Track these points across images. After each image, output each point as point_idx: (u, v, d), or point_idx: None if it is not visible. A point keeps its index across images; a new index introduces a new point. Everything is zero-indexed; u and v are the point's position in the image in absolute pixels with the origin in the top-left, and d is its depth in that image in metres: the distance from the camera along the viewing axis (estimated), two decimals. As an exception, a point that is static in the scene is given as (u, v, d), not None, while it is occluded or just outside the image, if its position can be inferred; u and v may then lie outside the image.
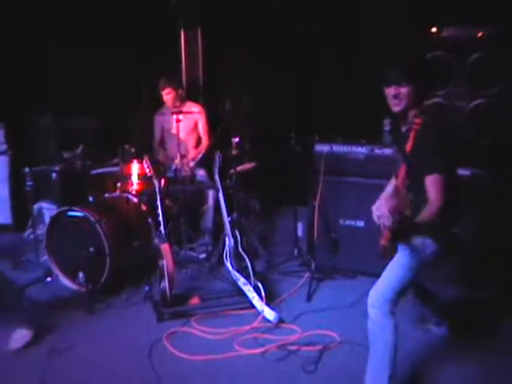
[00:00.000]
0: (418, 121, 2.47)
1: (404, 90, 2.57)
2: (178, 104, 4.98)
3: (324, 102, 4.82)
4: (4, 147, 5.76)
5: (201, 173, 4.91)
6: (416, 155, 2.46)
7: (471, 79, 4.14)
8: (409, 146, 2.47)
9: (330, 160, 4.28)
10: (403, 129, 2.69)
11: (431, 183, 2.46)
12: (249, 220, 4.96)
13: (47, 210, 5.07)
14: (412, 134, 2.47)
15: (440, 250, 2.61)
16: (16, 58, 5.45)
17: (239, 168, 4.79)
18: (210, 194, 4.78)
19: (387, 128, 4.17)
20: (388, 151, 4.04)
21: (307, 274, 4.21)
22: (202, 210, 4.87)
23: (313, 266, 4.21)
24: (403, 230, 2.38)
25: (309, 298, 3.95)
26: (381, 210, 2.31)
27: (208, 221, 4.82)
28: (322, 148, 4.33)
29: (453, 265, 3.89)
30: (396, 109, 2.62)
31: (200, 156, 4.76)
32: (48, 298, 4.00)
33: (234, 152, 4.53)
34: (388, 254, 2.55)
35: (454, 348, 3.19)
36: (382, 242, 2.41)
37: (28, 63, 5.46)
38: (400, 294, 2.62)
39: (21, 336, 3.34)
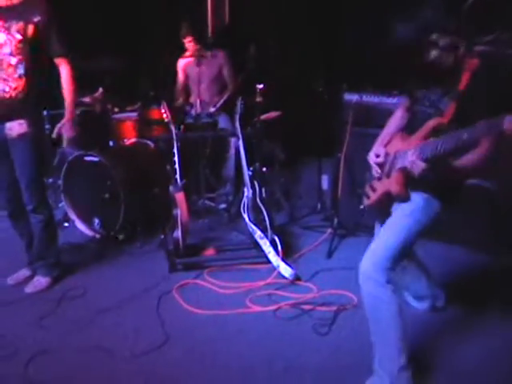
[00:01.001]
0: (474, 61, 2.23)
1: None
2: (201, 52, 4.74)
3: (354, 48, 4.48)
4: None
5: (224, 119, 4.71)
6: (473, 95, 2.20)
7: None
8: (462, 85, 2.21)
9: (359, 110, 4.00)
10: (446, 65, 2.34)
11: (481, 130, 2.14)
12: (272, 171, 4.76)
13: (71, 154, 4.99)
14: (467, 73, 2.21)
15: (445, 204, 2.36)
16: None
17: (264, 116, 4.57)
18: (233, 141, 4.58)
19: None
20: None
21: (329, 230, 4.04)
22: (223, 157, 4.70)
23: (335, 221, 4.02)
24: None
25: (329, 255, 3.78)
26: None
27: (230, 169, 4.66)
28: (351, 97, 4.05)
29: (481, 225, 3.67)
30: None
31: (222, 101, 4.54)
32: (64, 244, 3.93)
33: (258, 99, 4.29)
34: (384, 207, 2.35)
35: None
36: (397, 188, 2.21)
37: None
38: (399, 260, 2.35)
39: (38, 283, 3.34)
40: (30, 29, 2.98)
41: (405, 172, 2.36)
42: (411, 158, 2.31)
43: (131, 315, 3.05)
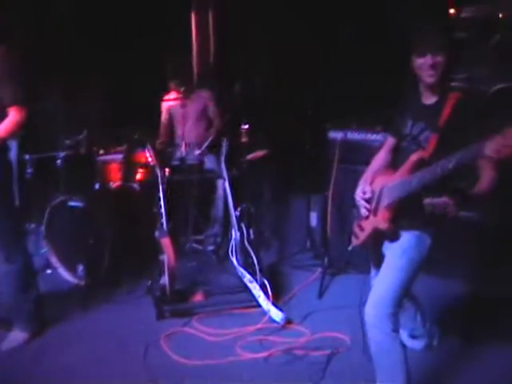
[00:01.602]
0: (454, 95, 2.24)
1: (440, 60, 2.26)
2: (187, 91, 4.72)
3: (338, 86, 4.50)
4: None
5: (210, 160, 4.67)
6: (455, 127, 2.19)
7: (493, 62, 3.81)
8: (444, 117, 2.22)
9: (345, 147, 4.01)
10: (428, 102, 2.37)
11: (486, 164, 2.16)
12: (260, 209, 4.71)
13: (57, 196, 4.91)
14: (449, 104, 2.22)
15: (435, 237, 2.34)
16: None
17: (250, 156, 4.54)
18: (220, 182, 4.53)
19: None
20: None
21: (319, 269, 3.97)
22: (211, 198, 4.64)
23: (325, 260, 3.95)
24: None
25: (320, 294, 3.71)
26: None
27: (218, 210, 4.59)
28: (335, 135, 4.06)
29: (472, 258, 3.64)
30: (430, 80, 2.29)
31: (207, 143, 4.51)
32: (46, 291, 3.80)
33: (243, 139, 4.27)
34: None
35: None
36: (383, 225, 2.17)
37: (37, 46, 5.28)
38: (401, 302, 2.33)
39: (14, 339, 3.17)
40: None
41: (391, 208, 2.33)
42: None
43: (117, 366, 2.94)
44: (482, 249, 3.67)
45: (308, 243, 4.48)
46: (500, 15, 3.78)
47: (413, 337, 2.96)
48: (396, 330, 2.30)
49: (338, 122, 4.10)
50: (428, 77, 2.29)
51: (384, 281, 2.34)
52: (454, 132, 2.18)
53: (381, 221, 2.36)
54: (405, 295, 2.39)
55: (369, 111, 4.15)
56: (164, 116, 4.96)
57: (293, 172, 4.58)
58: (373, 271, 2.67)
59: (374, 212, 2.45)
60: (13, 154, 5.37)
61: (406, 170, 2.29)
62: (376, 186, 2.51)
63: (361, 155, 3.95)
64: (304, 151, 4.30)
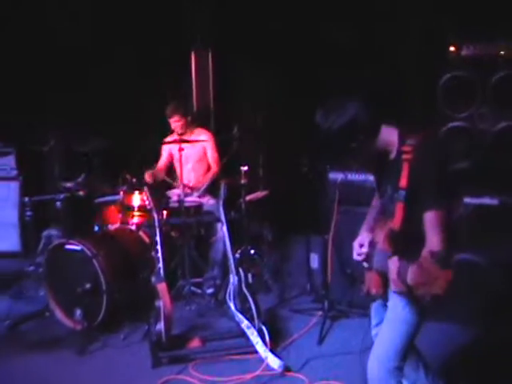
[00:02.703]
0: (407, 149, 2.11)
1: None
2: (186, 131, 4.75)
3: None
4: (15, 173, 5.68)
5: (210, 202, 4.65)
6: (413, 189, 2.09)
7: (495, 100, 3.77)
8: (404, 180, 2.10)
9: (345, 189, 3.98)
10: (390, 157, 2.26)
11: (430, 223, 2.05)
12: (260, 251, 4.67)
13: (57, 237, 4.90)
14: (405, 166, 2.09)
15: None
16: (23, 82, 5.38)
17: (250, 197, 4.53)
18: (220, 224, 4.51)
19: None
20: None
21: (320, 313, 3.89)
22: (211, 241, 4.60)
23: (326, 304, 3.88)
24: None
25: (320, 340, 3.62)
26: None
27: (217, 252, 4.53)
28: (335, 176, 4.04)
29: (472, 301, 3.56)
30: None
31: (204, 185, 4.51)
32: (43, 335, 3.80)
33: (243, 181, 4.26)
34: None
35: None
36: (374, 290, 2.09)
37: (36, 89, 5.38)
38: (405, 356, 2.25)
39: None
40: None
41: (381, 274, 2.22)
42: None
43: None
44: (487, 292, 3.59)
45: (308, 286, 4.40)
46: (501, 53, 3.76)
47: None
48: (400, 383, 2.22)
49: (339, 164, 4.08)
50: None
51: (387, 333, 2.27)
52: (413, 196, 2.09)
53: (372, 283, 2.26)
54: (409, 347, 2.31)
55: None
56: (164, 155, 4.96)
57: (293, 213, 4.54)
58: (373, 320, 2.59)
59: (370, 268, 2.38)
60: (15, 197, 5.50)
61: (383, 240, 2.16)
62: (376, 236, 2.42)
63: (361, 197, 3.93)
64: (304, 192, 4.26)
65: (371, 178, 3.87)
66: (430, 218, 2.07)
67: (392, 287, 2.06)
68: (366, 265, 2.41)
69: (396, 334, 2.23)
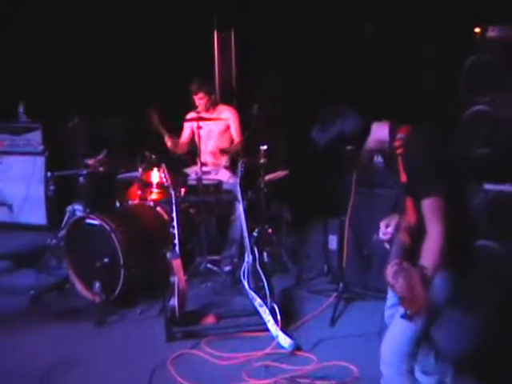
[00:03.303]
0: (397, 143, 2.10)
1: None
2: (209, 109, 4.77)
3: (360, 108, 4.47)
4: (41, 148, 5.80)
5: (230, 181, 4.67)
6: (411, 183, 2.09)
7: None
8: (403, 176, 2.10)
9: (364, 170, 3.93)
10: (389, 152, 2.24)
11: (428, 211, 2.02)
12: (279, 232, 4.68)
13: (80, 212, 5.01)
14: (400, 161, 2.10)
15: (457, 278, 2.21)
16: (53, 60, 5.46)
17: (269, 176, 4.53)
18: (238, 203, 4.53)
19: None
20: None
21: (334, 295, 3.90)
22: (230, 219, 4.63)
23: (341, 285, 3.88)
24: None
25: (333, 322, 3.63)
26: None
27: (236, 231, 4.56)
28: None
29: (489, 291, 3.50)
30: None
31: (225, 162, 4.52)
32: (63, 306, 3.91)
33: (262, 160, 4.26)
34: None
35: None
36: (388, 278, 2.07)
37: (66, 67, 5.46)
38: (419, 343, 2.24)
39: None
40: None
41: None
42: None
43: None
44: (505, 282, 3.53)
45: (325, 268, 4.41)
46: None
47: (424, 372, 2.86)
48: (411, 371, 2.23)
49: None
50: None
51: (400, 321, 2.26)
52: (412, 188, 2.09)
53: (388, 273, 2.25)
54: (425, 336, 2.30)
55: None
56: (186, 131, 4.98)
57: (312, 195, 4.52)
58: (389, 301, 2.58)
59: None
60: (41, 172, 5.61)
61: (403, 232, 2.17)
62: (401, 221, 2.38)
63: (379, 178, 3.90)
64: (323, 173, 4.23)
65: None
66: (426, 206, 2.04)
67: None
68: (387, 246, 2.40)
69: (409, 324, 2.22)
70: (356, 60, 4.41)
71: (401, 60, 4.41)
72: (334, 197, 4.20)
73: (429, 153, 2.10)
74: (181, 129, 5.01)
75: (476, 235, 2.41)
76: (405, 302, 1.93)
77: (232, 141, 4.91)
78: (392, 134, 2.16)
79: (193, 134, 4.99)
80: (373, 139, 2.20)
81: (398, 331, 2.23)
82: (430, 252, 1.98)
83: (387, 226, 2.20)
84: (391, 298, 2.54)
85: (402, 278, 1.91)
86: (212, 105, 4.85)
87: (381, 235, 2.21)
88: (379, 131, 2.21)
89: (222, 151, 4.73)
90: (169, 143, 4.71)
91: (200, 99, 4.77)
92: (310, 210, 4.86)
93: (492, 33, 3.68)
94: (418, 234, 2.08)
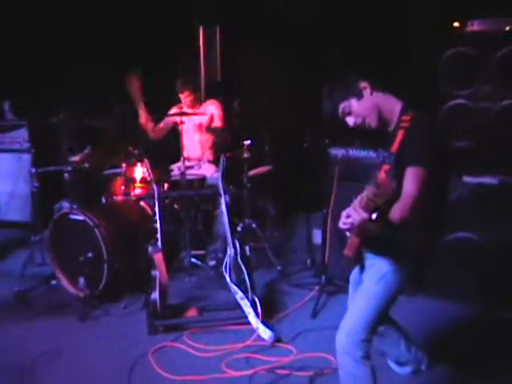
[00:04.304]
0: (406, 118, 2.18)
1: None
2: (195, 106, 4.80)
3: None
4: (27, 145, 5.80)
5: (214, 176, 4.69)
6: (402, 154, 2.14)
7: (498, 77, 3.68)
8: (396, 145, 2.16)
9: (346, 165, 3.98)
10: (389, 129, 2.32)
11: (410, 176, 2.09)
12: (263, 226, 4.71)
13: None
14: (400, 133, 2.16)
15: (416, 265, 2.28)
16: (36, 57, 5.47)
17: (253, 171, 4.56)
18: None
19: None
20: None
21: (317, 288, 3.93)
22: (215, 214, 4.66)
23: (323, 278, 3.92)
24: (375, 232, 2.09)
25: (314, 314, 3.67)
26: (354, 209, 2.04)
27: (220, 226, 4.57)
28: (336, 152, 4.03)
29: (470, 279, 3.55)
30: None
31: (206, 157, 4.54)
32: (47, 301, 3.94)
33: (245, 155, 4.29)
34: (352, 266, 2.28)
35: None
36: (347, 251, 2.12)
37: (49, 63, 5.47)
38: (374, 329, 2.28)
39: None
40: None
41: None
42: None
43: (102, 379, 2.98)
44: (480, 270, 3.58)
45: (309, 261, 4.44)
46: (507, 29, 3.67)
47: (399, 363, 2.90)
48: (367, 357, 2.25)
49: (341, 139, 4.07)
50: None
51: (358, 307, 2.31)
52: (401, 161, 2.14)
53: (348, 246, 2.29)
54: (379, 321, 2.34)
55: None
56: (164, 121, 4.94)
57: (296, 189, 4.56)
58: (351, 290, 2.62)
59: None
60: (27, 169, 5.61)
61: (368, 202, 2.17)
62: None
63: (362, 173, 3.93)
64: (306, 168, 4.27)
65: (372, 154, 3.91)
66: (410, 172, 2.10)
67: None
68: (349, 235, 2.44)
69: (366, 308, 2.26)
70: (342, 55, 4.43)
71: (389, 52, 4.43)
72: (318, 191, 4.23)
73: (433, 131, 2.20)
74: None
75: (441, 228, 2.44)
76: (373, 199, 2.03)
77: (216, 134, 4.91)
78: (402, 110, 2.25)
79: (175, 124, 4.97)
80: (386, 107, 2.28)
81: (352, 319, 2.28)
82: (397, 208, 2.06)
83: (348, 216, 2.24)
84: (353, 292, 2.57)
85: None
86: (197, 102, 4.88)
87: (340, 224, 2.24)
88: (393, 103, 2.29)
89: (208, 129, 4.71)
90: (143, 116, 4.66)
91: (185, 97, 4.80)
92: (294, 204, 4.89)
93: (471, 27, 3.71)
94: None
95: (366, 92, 2.27)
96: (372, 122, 2.28)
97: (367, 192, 2.08)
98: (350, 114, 2.29)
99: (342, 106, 2.27)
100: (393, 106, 2.29)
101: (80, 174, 4.53)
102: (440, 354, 2.95)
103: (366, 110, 2.26)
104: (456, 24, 3.71)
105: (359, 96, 2.26)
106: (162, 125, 4.90)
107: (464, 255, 3.66)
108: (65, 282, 4.09)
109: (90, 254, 3.86)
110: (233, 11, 5.36)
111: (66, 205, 5.00)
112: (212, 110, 4.85)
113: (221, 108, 4.87)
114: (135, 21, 5.35)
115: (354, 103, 2.26)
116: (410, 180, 2.09)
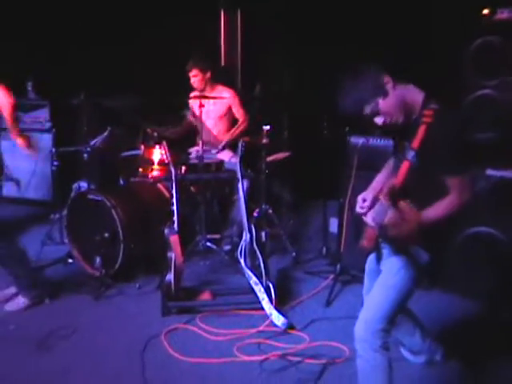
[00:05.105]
0: (428, 112, 2.10)
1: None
2: (206, 88, 4.74)
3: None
4: (49, 125, 5.85)
5: (232, 160, 4.67)
6: (427, 153, 2.09)
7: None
8: (417, 141, 2.09)
9: (365, 154, 3.92)
10: (411, 118, 2.24)
11: (453, 185, 2.09)
12: (279, 213, 4.69)
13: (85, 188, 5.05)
14: (422, 128, 2.09)
15: (435, 257, 2.23)
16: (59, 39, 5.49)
17: (272, 157, 4.53)
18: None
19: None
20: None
21: (331, 276, 3.91)
22: (232, 199, 4.65)
23: (338, 267, 3.89)
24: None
25: (328, 303, 3.65)
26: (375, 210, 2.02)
27: (237, 211, 4.56)
28: (356, 141, 3.98)
29: (485, 274, 3.50)
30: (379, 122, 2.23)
31: (225, 142, 4.51)
32: (64, 279, 3.98)
33: (264, 140, 4.26)
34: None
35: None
36: (365, 242, 2.10)
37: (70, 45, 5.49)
38: (393, 320, 2.27)
39: (16, 303, 3.55)
40: None
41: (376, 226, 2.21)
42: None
43: (115, 359, 3.00)
44: (501, 267, 3.52)
45: (324, 249, 4.42)
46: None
47: (413, 352, 2.89)
48: (385, 347, 2.24)
49: (362, 128, 4.02)
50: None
51: (377, 297, 2.29)
52: (424, 159, 2.10)
53: (366, 236, 2.25)
54: (398, 312, 2.34)
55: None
56: (190, 113, 4.96)
57: (314, 177, 4.51)
58: (366, 280, 2.60)
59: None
60: (47, 148, 5.66)
61: (384, 195, 2.17)
62: (380, 192, 2.42)
63: (381, 162, 3.87)
64: (324, 156, 4.23)
65: (391, 143, 3.85)
66: (453, 183, 2.09)
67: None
68: (366, 220, 2.41)
69: (385, 299, 2.24)
70: (364, 42, 4.35)
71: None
72: (336, 180, 4.20)
73: (460, 134, 2.14)
74: (181, 111, 4.96)
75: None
76: (394, 229, 2.04)
77: (231, 124, 4.87)
78: (425, 101, 2.18)
79: (192, 116, 4.95)
80: (408, 97, 2.21)
81: (371, 309, 2.27)
82: (438, 207, 2.08)
83: (364, 200, 2.20)
84: (368, 284, 2.55)
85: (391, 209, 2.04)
86: (207, 83, 4.76)
87: (358, 209, 2.22)
88: (415, 93, 2.22)
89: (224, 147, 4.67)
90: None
91: (194, 76, 4.69)
92: (311, 191, 4.85)
93: (501, 15, 3.61)
94: (400, 197, 2.12)
95: (389, 87, 2.19)
96: (399, 117, 2.21)
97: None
98: (378, 113, 2.21)
99: (369, 108, 2.19)
100: (415, 97, 2.22)
101: (99, 155, 4.56)
102: (454, 347, 2.92)
103: (393, 107, 2.19)
104: (485, 11, 3.60)
105: (384, 94, 2.18)
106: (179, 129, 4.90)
107: (483, 250, 3.60)
108: (81, 261, 4.12)
109: (106, 234, 3.88)
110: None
111: (84, 185, 5.04)
112: (228, 98, 4.76)
113: (237, 97, 4.79)
114: (156, 3, 5.32)
115: (380, 102, 2.18)
116: (454, 189, 2.09)
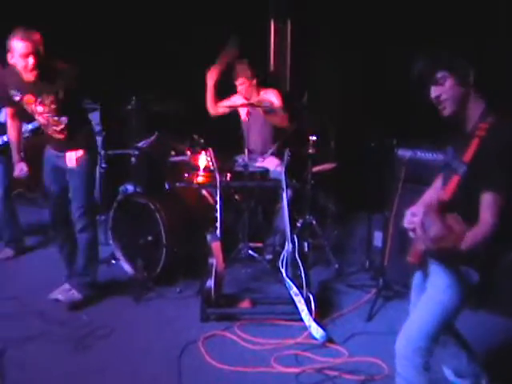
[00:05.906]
0: (483, 125, 2.03)
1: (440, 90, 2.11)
2: (252, 95, 4.70)
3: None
4: (99, 128, 5.98)
5: (278, 169, 4.64)
6: (478, 167, 2.02)
7: None
8: (469, 155, 2.02)
9: (412, 167, 3.84)
10: (465, 129, 2.18)
11: (485, 203, 2.00)
12: (324, 224, 4.63)
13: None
14: (475, 142, 2.02)
15: (484, 277, 2.15)
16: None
17: (317, 168, 4.49)
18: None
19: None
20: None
21: (374, 291, 3.83)
22: (276, 208, 4.62)
23: (380, 281, 3.81)
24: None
25: (369, 317, 3.57)
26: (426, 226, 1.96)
27: (280, 220, 4.53)
28: (404, 153, 3.90)
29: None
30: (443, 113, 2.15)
31: (271, 150, 4.49)
32: (106, 280, 4.03)
33: (310, 150, 4.23)
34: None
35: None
36: (411, 258, 2.03)
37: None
38: (436, 339, 2.19)
39: (71, 296, 3.64)
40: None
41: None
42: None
43: (152, 362, 3.02)
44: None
45: (367, 263, 4.34)
46: None
47: (458, 375, 2.78)
48: (426, 367, 2.17)
49: (410, 140, 3.94)
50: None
51: (420, 314, 2.23)
52: (475, 173, 2.02)
53: (412, 252, 2.20)
54: (441, 331, 2.26)
55: (443, 130, 3.95)
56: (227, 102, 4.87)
57: (359, 189, 4.45)
58: (413, 295, 2.52)
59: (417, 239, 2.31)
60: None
61: (435, 211, 2.09)
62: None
63: (429, 176, 3.77)
64: (371, 168, 4.16)
65: (440, 156, 3.75)
66: (485, 199, 2.01)
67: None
68: (413, 235, 2.34)
69: (430, 315, 2.17)
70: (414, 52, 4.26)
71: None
72: (382, 192, 4.12)
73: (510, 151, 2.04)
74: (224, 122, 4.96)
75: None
76: (440, 243, 1.97)
77: (275, 131, 4.81)
78: (484, 113, 2.12)
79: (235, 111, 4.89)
80: (468, 106, 2.15)
81: (414, 325, 2.20)
82: (473, 235, 1.99)
83: (414, 215, 2.12)
84: (415, 300, 2.47)
85: (436, 221, 1.98)
86: (253, 90, 4.72)
87: (406, 224, 2.13)
88: (476, 103, 2.15)
89: (268, 111, 4.52)
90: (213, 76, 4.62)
91: (241, 84, 4.67)
92: (356, 204, 4.78)
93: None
94: (448, 211, 2.05)
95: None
96: (449, 108, 2.13)
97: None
98: (441, 85, 2.13)
99: (439, 74, 2.12)
100: (475, 106, 2.15)
101: (146, 159, 4.64)
102: (500, 372, 2.80)
103: (455, 95, 2.12)
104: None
105: (462, 81, 2.12)
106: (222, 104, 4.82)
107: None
108: (124, 263, 4.18)
109: (149, 237, 3.93)
110: (305, 5, 5.27)
111: (130, 187, 5.14)
112: (271, 98, 4.68)
113: (280, 97, 4.70)
114: (206, 11, 5.38)
115: (452, 81, 2.11)
116: (486, 208, 2.00)
